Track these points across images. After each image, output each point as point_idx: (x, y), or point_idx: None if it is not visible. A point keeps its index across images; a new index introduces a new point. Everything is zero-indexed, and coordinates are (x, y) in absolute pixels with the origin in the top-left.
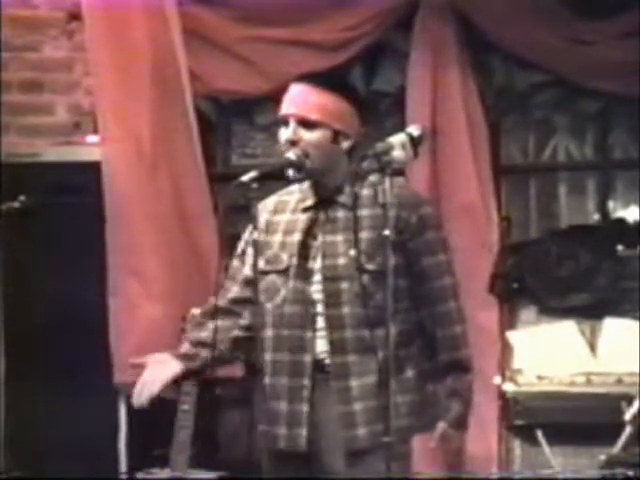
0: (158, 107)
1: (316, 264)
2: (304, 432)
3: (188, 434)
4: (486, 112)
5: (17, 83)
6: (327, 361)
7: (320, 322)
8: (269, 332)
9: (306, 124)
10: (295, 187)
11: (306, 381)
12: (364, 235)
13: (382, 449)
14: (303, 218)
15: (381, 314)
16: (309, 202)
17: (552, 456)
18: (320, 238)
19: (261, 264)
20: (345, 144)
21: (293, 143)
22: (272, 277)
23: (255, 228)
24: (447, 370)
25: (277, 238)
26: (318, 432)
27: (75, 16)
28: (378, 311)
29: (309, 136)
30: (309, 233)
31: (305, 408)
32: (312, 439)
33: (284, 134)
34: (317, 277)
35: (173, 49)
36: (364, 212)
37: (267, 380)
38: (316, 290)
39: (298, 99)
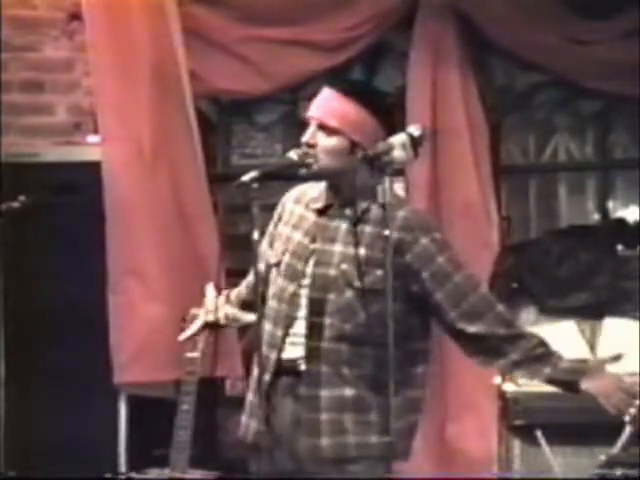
0: (158, 107)
1: (308, 268)
2: (254, 424)
3: (188, 434)
4: (486, 112)
5: (17, 83)
6: (302, 367)
7: (300, 327)
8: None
9: (325, 129)
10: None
11: (267, 377)
12: (360, 251)
13: (349, 464)
14: (310, 217)
15: (363, 333)
16: (319, 204)
17: (552, 456)
18: (318, 243)
19: (273, 257)
20: (360, 155)
21: (309, 146)
22: (274, 272)
23: (263, 232)
24: (516, 342)
25: (287, 231)
26: (281, 434)
27: (75, 16)
28: (360, 329)
29: (325, 142)
30: (309, 234)
31: (261, 403)
32: (274, 439)
33: (310, 131)
34: (307, 281)
35: (173, 49)
36: (366, 228)
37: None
38: (304, 294)
39: (322, 103)
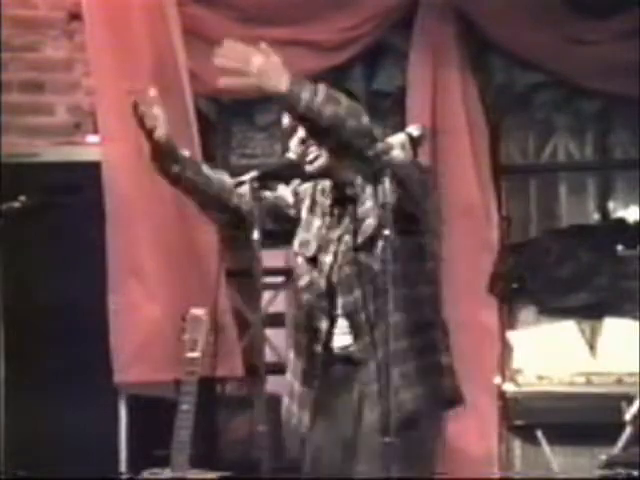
0: None
1: (328, 257)
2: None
3: (188, 434)
4: (486, 112)
5: (17, 83)
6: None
7: (339, 308)
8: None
9: None
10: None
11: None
12: (359, 210)
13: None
14: (327, 208)
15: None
16: (329, 200)
17: (552, 456)
18: (337, 231)
19: (296, 245)
20: None
21: (305, 141)
22: (301, 260)
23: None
24: None
25: (316, 223)
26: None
27: (75, 16)
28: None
29: None
30: (331, 224)
31: (312, 395)
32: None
33: (297, 136)
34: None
35: (173, 49)
36: (367, 203)
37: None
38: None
39: None
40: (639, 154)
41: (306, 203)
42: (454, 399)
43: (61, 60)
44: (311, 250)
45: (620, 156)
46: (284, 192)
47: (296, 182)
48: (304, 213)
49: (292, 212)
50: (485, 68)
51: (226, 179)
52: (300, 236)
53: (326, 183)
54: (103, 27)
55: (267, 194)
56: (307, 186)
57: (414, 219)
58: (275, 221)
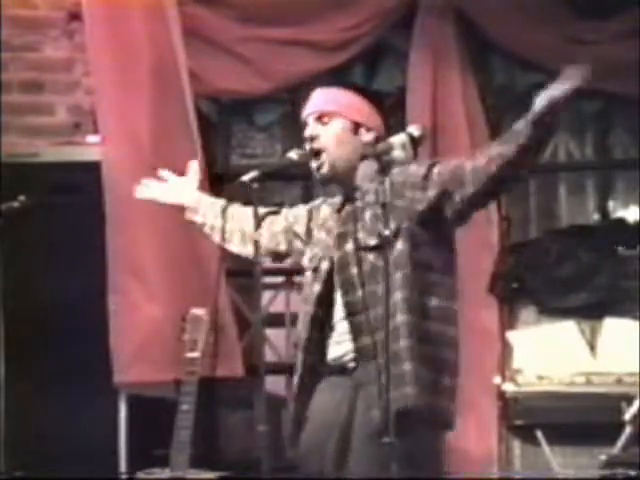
0: (158, 107)
1: (324, 263)
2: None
3: (188, 434)
4: (486, 112)
5: (17, 83)
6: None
7: (335, 314)
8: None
9: (324, 119)
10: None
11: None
12: (367, 213)
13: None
14: (335, 218)
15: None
16: (337, 202)
17: (552, 456)
18: (336, 230)
19: (305, 260)
20: (367, 137)
21: (312, 138)
22: (309, 273)
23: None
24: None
25: (324, 238)
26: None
27: (75, 16)
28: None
29: (328, 129)
30: (333, 227)
31: (299, 408)
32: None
33: (305, 133)
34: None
35: (173, 49)
36: (370, 195)
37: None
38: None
39: (314, 100)
40: (639, 154)
41: (319, 221)
42: (448, 423)
43: (61, 60)
44: (315, 261)
45: (620, 156)
46: (299, 211)
47: (317, 201)
48: (316, 231)
49: (300, 229)
50: (485, 68)
51: (245, 212)
52: (310, 252)
53: (336, 200)
54: (103, 27)
55: (280, 219)
56: (324, 206)
57: (444, 232)
58: (285, 244)
